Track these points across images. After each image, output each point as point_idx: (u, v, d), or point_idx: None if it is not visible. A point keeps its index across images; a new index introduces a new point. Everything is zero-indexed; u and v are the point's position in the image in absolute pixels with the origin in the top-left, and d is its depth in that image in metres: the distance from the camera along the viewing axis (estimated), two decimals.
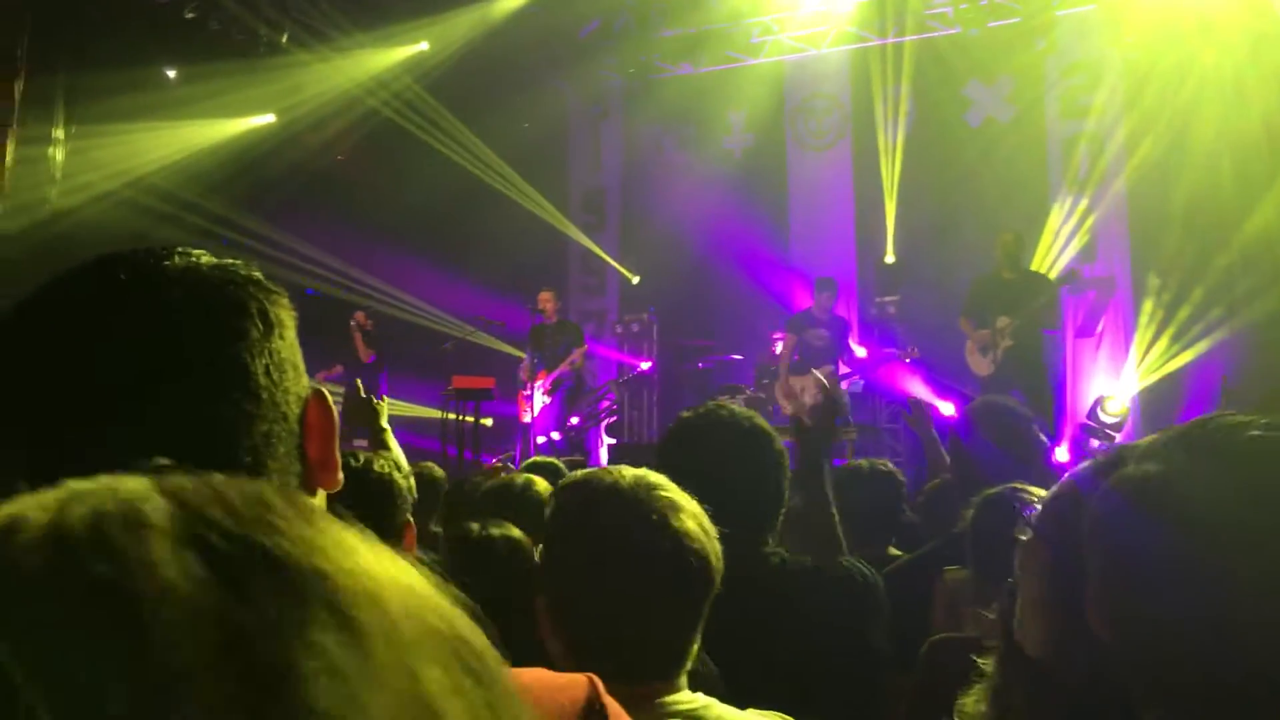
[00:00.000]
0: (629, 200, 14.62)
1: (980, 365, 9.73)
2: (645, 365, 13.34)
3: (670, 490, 1.51)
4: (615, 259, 14.39)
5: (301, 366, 1.01)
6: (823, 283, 11.23)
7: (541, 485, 3.41)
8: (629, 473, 1.54)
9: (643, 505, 1.45)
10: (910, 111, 12.74)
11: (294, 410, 0.97)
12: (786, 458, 2.46)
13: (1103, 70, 11.86)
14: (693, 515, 1.49)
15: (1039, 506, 0.94)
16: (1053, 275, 10.89)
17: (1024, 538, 0.92)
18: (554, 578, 1.47)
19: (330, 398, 1.02)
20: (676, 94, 13.86)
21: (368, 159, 13.76)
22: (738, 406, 2.54)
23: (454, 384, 10.49)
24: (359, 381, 4.28)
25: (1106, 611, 0.81)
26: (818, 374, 10.86)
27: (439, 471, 4.46)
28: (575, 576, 1.45)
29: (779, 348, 11.67)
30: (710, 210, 13.50)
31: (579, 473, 1.60)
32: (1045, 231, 11.75)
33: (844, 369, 11.05)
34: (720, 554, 1.49)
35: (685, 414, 2.53)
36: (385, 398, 3.78)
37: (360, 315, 12.33)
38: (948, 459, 4.15)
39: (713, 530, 1.50)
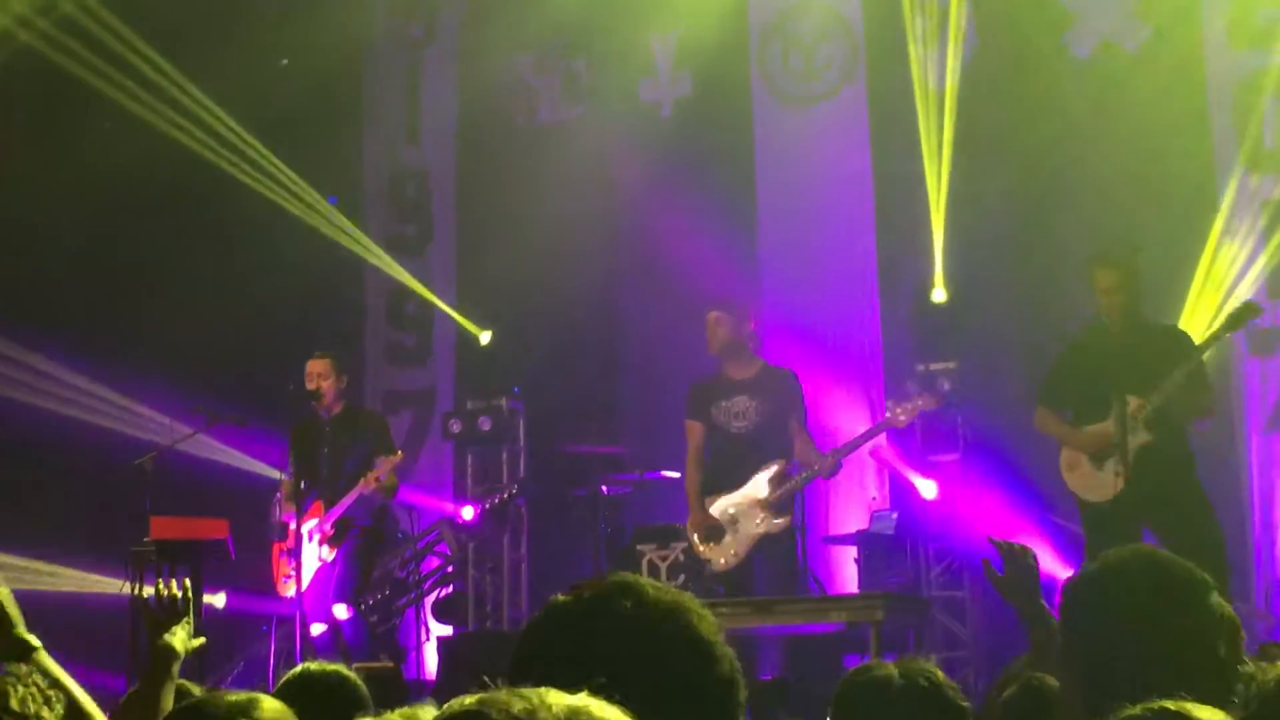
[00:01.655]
0: (472, 195, 14.57)
1: (1094, 485, 9.65)
2: (468, 513, 13.26)
3: None
4: (449, 302, 14.34)
5: None
6: (713, 312, 10.92)
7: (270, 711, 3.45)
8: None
9: None
10: (969, 35, 12.75)
11: None
12: (738, 679, 2.42)
13: None
14: None
15: None
16: (1220, 318, 10.84)
17: None
18: None
19: None
20: (558, 4, 13.85)
21: None
22: (653, 586, 2.47)
23: (153, 532, 10.36)
24: None
25: None
26: (764, 475, 10.92)
27: None
28: None
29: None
30: (618, 212, 13.43)
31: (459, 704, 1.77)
32: (1207, 243, 11.77)
33: (801, 461, 10.70)
34: None
35: (561, 599, 2.51)
36: None
37: None
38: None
39: None
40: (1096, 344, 9.77)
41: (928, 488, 11.86)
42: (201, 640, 4.98)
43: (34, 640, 4.19)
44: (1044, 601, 4.82)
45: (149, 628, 4.71)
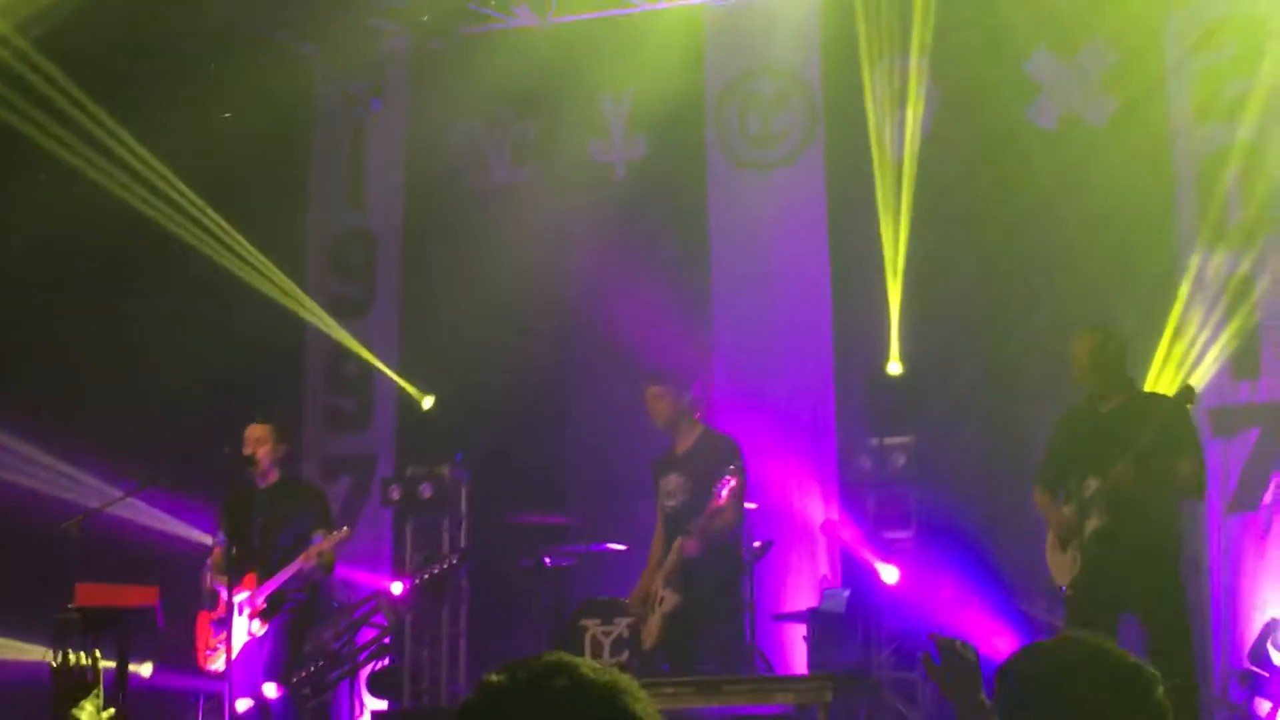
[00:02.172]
0: (418, 258, 14.57)
1: (1060, 568, 9.62)
2: (397, 588, 13.11)
3: None
4: (390, 365, 14.28)
5: None
6: (651, 387, 10.78)
7: None
8: None
9: None
10: (931, 104, 12.80)
11: None
12: None
13: (1267, 35, 11.93)
14: None
15: None
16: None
17: None
18: None
19: None
20: (509, 64, 13.87)
21: None
22: (588, 666, 2.48)
23: (79, 599, 10.18)
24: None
25: None
26: (673, 552, 10.37)
27: None
28: None
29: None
30: (568, 276, 13.42)
31: None
32: (1169, 318, 11.80)
33: (690, 547, 10.35)
34: None
35: (494, 679, 2.53)
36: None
37: None
38: None
39: None
40: (1076, 420, 9.76)
41: (889, 573, 11.80)
42: (111, 712, 4.89)
43: None
44: (985, 697, 4.79)
45: (57, 698, 4.64)
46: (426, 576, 13.02)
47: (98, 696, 4.70)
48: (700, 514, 10.35)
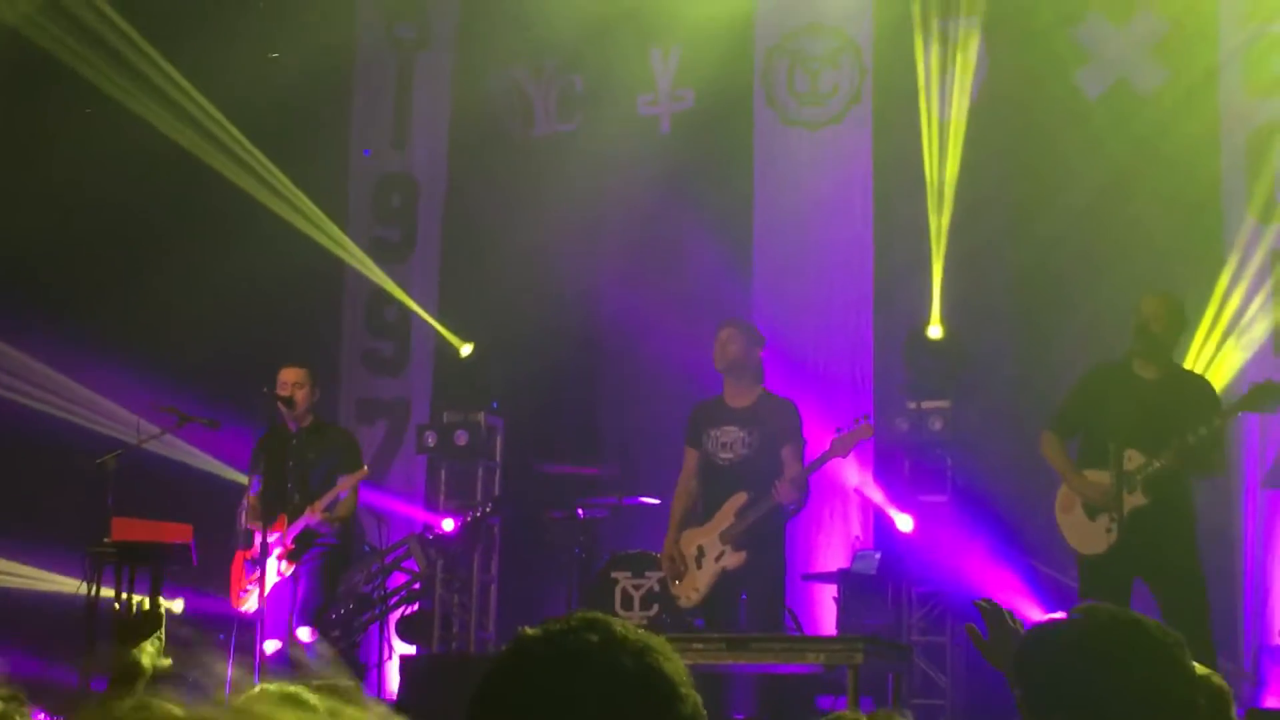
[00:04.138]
0: (460, 205, 14.64)
1: (1085, 536, 9.56)
2: (448, 525, 13.20)
3: None
4: (430, 311, 14.37)
5: None
6: (728, 327, 10.68)
7: None
8: None
9: None
10: (980, 67, 12.79)
11: None
12: None
13: None
14: None
15: None
16: (1219, 379, 10.90)
17: None
18: None
19: None
20: (558, 14, 13.89)
21: None
22: (620, 625, 2.53)
23: (114, 534, 10.26)
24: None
25: None
26: (730, 507, 10.26)
27: None
28: None
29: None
30: (610, 228, 13.48)
31: None
32: (1212, 296, 11.83)
33: (786, 493, 10.21)
34: None
35: (529, 633, 2.58)
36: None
37: None
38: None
39: None
40: (1116, 382, 9.64)
41: (904, 521, 11.87)
42: (169, 663, 4.84)
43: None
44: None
45: (119, 635, 4.59)
46: (478, 514, 13.10)
47: (158, 641, 4.72)
48: (765, 469, 10.21)
